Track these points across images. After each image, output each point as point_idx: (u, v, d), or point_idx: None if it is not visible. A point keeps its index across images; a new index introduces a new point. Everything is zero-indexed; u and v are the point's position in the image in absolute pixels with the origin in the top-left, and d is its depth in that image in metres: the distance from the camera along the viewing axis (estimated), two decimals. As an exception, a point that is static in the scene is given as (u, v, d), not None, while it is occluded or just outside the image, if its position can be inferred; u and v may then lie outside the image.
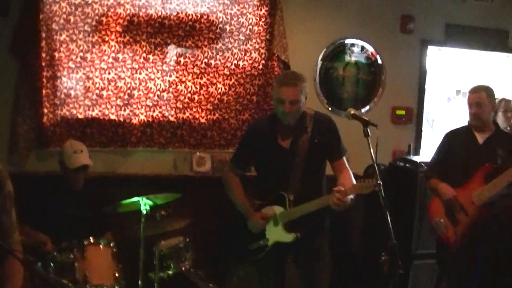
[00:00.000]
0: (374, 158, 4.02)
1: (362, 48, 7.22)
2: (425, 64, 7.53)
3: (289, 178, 4.75)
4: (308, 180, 4.76)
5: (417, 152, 7.48)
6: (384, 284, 3.96)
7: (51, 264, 4.70)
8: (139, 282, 5.07)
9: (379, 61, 7.28)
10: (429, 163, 6.00)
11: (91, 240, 4.92)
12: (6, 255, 3.09)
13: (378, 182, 4.00)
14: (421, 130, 7.60)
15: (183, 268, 5.57)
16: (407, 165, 6.91)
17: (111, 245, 5.04)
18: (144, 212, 5.05)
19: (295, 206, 4.71)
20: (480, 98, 5.48)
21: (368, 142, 4.08)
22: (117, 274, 4.93)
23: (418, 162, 6.72)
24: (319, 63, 7.05)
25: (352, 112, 4.40)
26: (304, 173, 4.74)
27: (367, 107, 7.30)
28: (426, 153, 6.96)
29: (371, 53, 7.26)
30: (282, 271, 5.06)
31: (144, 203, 5.06)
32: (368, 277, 6.70)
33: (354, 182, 4.64)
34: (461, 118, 6.69)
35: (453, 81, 7.88)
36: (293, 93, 4.57)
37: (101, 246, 5.00)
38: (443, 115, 7.86)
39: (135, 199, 5.03)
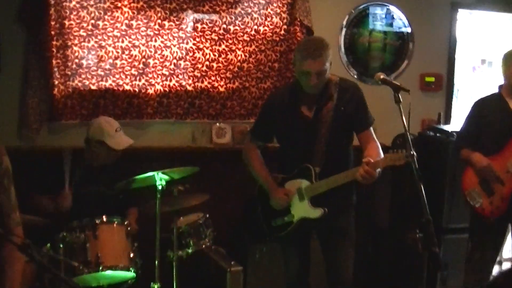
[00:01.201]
0: (406, 127, 3.74)
1: (389, 12, 6.93)
2: (455, 28, 7.24)
3: (313, 149, 4.52)
4: (334, 151, 4.54)
5: (447, 121, 7.20)
6: (414, 262, 3.71)
7: (61, 245, 4.46)
8: (156, 262, 4.83)
9: (407, 26, 7.01)
10: (459, 133, 5.78)
11: (104, 218, 4.67)
12: (3, 240, 2.83)
13: (412, 152, 3.72)
14: (452, 98, 7.32)
15: (203, 246, 5.36)
16: (438, 134, 6.61)
17: (125, 223, 4.79)
18: (160, 187, 4.83)
19: (321, 179, 4.48)
20: None
21: (399, 109, 3.79)
22: (132, 254, 4.69)
23: (450, 131, 6.41)
24: (344, 28, 6.78)
25: (382, 76, 4.09)
26: (330, 144, 4.51)
27: (395, 74, 6.97)
28: (457, 122, 6.69)
29: (398, 17, 6.97)
30: (306, 248, 4.90)
31: (160, 178, 4.83)
32: (397, 254, 6.45)
33: (382, 153, 4.43)
34: (486, 89, 6.57)
35: (479, 50, 7.65)
36: (319, 64, 4.30)
37: (114, 225, 4.74)
38: (468, 85, 7.64)
39: (149, 174, 4.82)
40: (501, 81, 5.52)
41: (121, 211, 5.20)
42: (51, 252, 4.46)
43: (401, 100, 3.82)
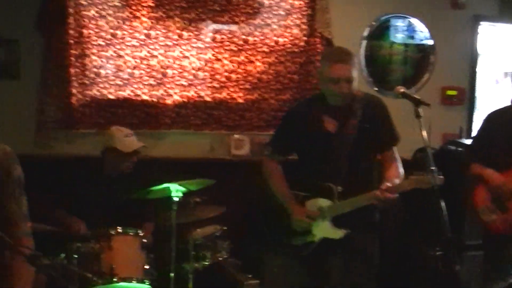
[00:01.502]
0: (426, 141, 3.65)
1: (410, 24, 6.85)
2: (477, 41, 7.14)
3: (336, 167, 4.29)
4: (356, 169, 4.30)
5: (469, 135, 7.05)
6: (431, 280, 3.62)
7: (75, 255, 4.40)
8: (172, 274, 4.75)
9: (428, 38, 6.91)
10: (470, 146, 5.62)
11: (119, 229, 4.60)
12: (14, 251, 2.77)
13: (432, 168, 3.62)
14: (473, 112, 7.21)
15: (220, 259, 5.29)
16: (459, 149, 6.48)
17: (140, 234, 4.72)
18: (176, 199, 4.75)
19: (343, 198, 4.24)
20: None
21: (420, 123, 3.69)
22: (146, 266, 4.62)
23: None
24: (364, 40, 6.70)
25: (401, 90, 3.98)
26: (353, 162, 4.28)
27: (415, 87, 6.86)
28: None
29: (420, 30, 6.88)
30: (325, 267, 4.58)
31: (176, 190, 4.76)
32: (406, 269, 6.34)
33: (402, 173, 4.29)
34: (508, 102, 6.29)
35: (502, 63, 7.51)
36: (349, 70, 4.14)
37: (129, 236, 4.68)
38: (490, 98, 7.46)
39: (165, 185, 4.75)
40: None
41: (136, 225, 5.09)
42: (65, 263, 4.41)
43: (422, 114, 3.72)
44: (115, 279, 4.36)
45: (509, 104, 5.39)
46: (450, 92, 7.05)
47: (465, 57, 7.12)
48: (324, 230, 4.34)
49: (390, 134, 4.41)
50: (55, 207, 5.09)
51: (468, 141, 6.47)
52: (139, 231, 4.73)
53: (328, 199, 4.31)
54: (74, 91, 5.81)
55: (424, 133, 3.66)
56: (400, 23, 6.79)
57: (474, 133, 7.02)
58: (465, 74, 7.16)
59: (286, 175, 4.61)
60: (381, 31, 6.74)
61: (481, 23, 7.11)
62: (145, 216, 5.30)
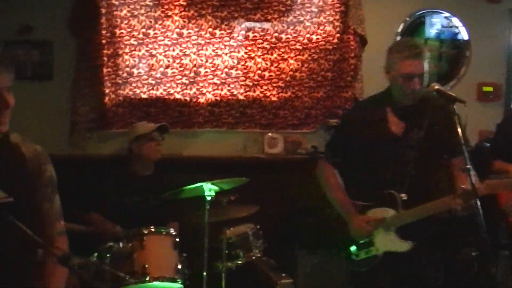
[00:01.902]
0: (463, 140, 3.54)
1: (445, 19, 6.72)
2: (515, 36, 6.97)
3: (400, 173, 3.94)
4: (423, 176, 3.97)
5: (506, 132, 6.89)
6: (467, 281, 3.53)
7: (107, 255, 4.39)
8: (204, 273, 4.74)
9: (464, 34, 6.76)
10: (492, 142, 5.47)
11: (152, 228, 4.58)
12: (46, 252, 2.76)
13: (468, 166, 3.48)
14: (510, 108, 7.00)
15: (253, 258, 5.25)
16: (496, 146, 6.37)
17: (173, 233, 4.70)
18: (209, 198, 4.72)
19: (407, 208, 3.88)
20: None
21: (455, 121, 3.57)
22: (179, 266, 4.57)
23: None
24: (399, 37, 6.56)
25: (436, 87, 3.78)
26: (419, 168, 3.93)
27: (451, 84, 6.75)
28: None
29: (455, 25, 6.74)
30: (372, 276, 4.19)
31: (209, 189, 4.73)
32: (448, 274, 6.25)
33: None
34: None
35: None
36: (421, 65, 3.83)
37: (161, 235, 4.66)
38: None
39: (198, 184, 4.73)
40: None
41: (162, 224, 5.10)
42: (97, 262, 4.41)
43: (457, 112, 3.61)
44: (147, 279, 4.34)
45: None
46: (486, 89, 6.88)
47: (502, 52, 6.94)
48: (387, 242, 3.94)
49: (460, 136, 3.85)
50: (91, 211, 5.14)
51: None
52: (172, 230, 4.72)
53: (391, 209, 3.94)
54: (107, 90, 5.83)
55: (460, 131, 3.55)
56: (434, 19, 6.67)
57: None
58: (501, 69, 6.98)
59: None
60: (415, 27, 6.63)
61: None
62: (170, 215, 5.31)
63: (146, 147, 5.31)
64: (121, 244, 4.43)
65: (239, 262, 5.14)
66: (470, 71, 6.83)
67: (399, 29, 6.57)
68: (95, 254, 4.42)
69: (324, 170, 4.24)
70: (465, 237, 3.77)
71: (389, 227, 3.91)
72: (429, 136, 3.91)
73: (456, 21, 6.73)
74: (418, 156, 3.91)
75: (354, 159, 4.13)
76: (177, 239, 4.66)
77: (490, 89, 6.92)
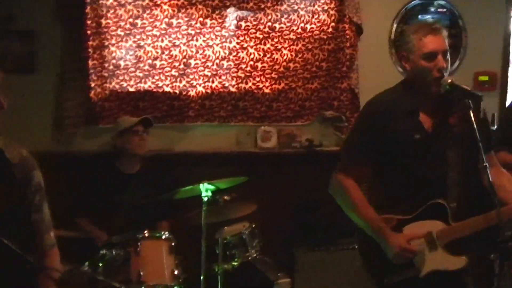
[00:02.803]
0: (478, 137, 3.22)
1: (441, 7, 6.56)
2: (510, 25, 6.80)
3: (443, 177, 3.45)
4: (469, 180, 3.48)
5: (503, 122, 6.76)
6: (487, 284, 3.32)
7: (100, 263, 4.18)
8: (201, 277, 4.60)
9: (460, 22, 6.61)
10: (496, 133, 5.02)
11: (146, 233, 4.40)
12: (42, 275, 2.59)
13: (485, 164, 3.16)
14: (506, 98, 6.87)
15: (249, 258, 5.07)
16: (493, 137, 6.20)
17: (169, 237, 4.52)
18: (206, 199, 4.55)
19: (458, 219, 3.41)
20: None
21: (471, 117, 3.26)
22: (176, 271, 4.39)
23: (507, 133, 5.98)
24: (395, 25, 6.42)
25: (449, 80, 3.40)
26: (463, 171, 3.45)
27: (446, 73, 6.57)
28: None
29: (451, 13, 6.58)
30: None
31: (206, 189, 4.55)
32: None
33: None
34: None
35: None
36: (443, 41, 3.40)
37: (157, 240, 4.48)
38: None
39: (195, 185, 4.57)
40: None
41: (153, 223, 5.06)
42: (89, 271, 4.18)
43: (472, 106, 3.30)
44: (143, 286, 4.17)
45: None
46: (482, 78, 6.75)
47: (498, 41, 6.82)
48: (434, 260, 3.42)
49: (490, 131, 3.65)
50: (78, 215, 5.02)
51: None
52: (167, 234, 4.54)
53: (438, 221, 3.43)
54: (93, 84, 5.66)
55: (476, 127, 3.25)
56: (431, 7, 6.52)
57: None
58: (498, 58, 6.85)
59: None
60: (411, 15, 6.46)
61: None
62: (161, 214, 5.20)
63: (129, 141, 5.15)
64: (114, 252, 4.23)
65: (235, 263, 4.98)
66: (467, 60, 6.70)
67: (395, 17, 6.41)
68: (87, 263, 4.20)
69: (344, 183, 3.58)
70: (485, 238, 3.49)
71: (436, 244, 3.41)
72: (464, 130, 3.42)
73: (452, 9, 6.58)
74: (461, 156, 3.44)
75: (383, 164, 3.57)
76: (173, 243, 4.49)
77: (486, 78, 6.77)
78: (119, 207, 4.97)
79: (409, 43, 3.44)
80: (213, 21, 5.89)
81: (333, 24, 6.14)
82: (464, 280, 3.52)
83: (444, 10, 6.55)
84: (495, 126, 6.31)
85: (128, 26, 5.71)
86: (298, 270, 5.64)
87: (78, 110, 5.66)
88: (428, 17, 6.48)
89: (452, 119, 3.47)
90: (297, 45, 6.10)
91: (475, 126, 3.22)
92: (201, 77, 5.91)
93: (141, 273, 4.15)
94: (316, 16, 6.11)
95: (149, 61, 5.80)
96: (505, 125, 5.12)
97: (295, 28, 6.09)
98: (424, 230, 3.41)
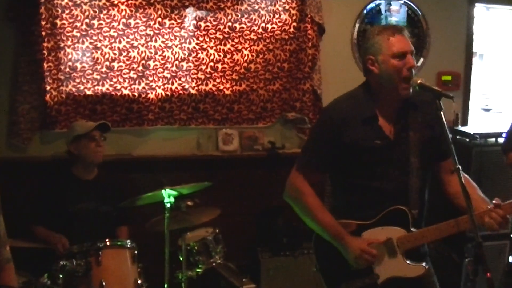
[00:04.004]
0: (449, 139, 3.14)
1: (404, 7, 6.54)
2: (473, 25, 6.86)
3: (403, 184, 3.36)
4: (425, 186, 3.42)
5: (465, 123, 6.83)
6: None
7: (60, 275, 4.02)
8: (165, 286, 4.48)
9: (423, 22, 6.60)
10: (507, 135, 5.09)
11: (107, 242, 4.25)
12: None
13: (458, 167, 3.05)
14: (469, 98, 6.89)
15: (214, 264, 5.01)
16: (458, 136, 6.17)
17: (132, 245, 4.39)
18: (168, 205, 4.43)
19: (419, 226, 3.36)
20: None
21: (442, 118, 3.16)
22: (139, 281, 4.29)
23: (472, 133, 5.96)
24: (357, 24, 6.38)
25: (419, 81, 3.26)
26: (423, 177, 3.38)
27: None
28: (476, 124, 6.47)
29: (413, 12, 6.57)
30: None
31: (168, 195, 4.43)
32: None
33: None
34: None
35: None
36: (409, 41, 3.30)
37: (119, 249, 4.34)
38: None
39: (157, 191, 4.45)
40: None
41: (111, 230, 4.94)
42: (48, 284, 4.02)
43: (443, 108, 3.17)
44: (105, 298, 4.03)
45: None
46: (445, 78, 6.79)
47: (460, 41, 6.86)
48: (393, 267, 3.38)
49: (447, 134, 3.31)
50: (34, 224, 4.83)
51: (465, 128, 6.31)
52: (130, 242, 4.41)
53: (397, 227, 3.36)
54: (48, 87, 5.49)
55: (447, 129, 3.17)
56: (393, 6, 6.49)
57: (470, 119, 6.91)
58: (460, 58, 6.90)
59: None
60: (374, 14, 6.43)
61: (477, 5, 6.84)
62: (120, 220, 5.07)
63: (85, 148, 4.93)
64: (74, 262, 4.09)
65: (199, 270, 4.94)
66: (430, 60, 6.73)
67: (357, 17, 6.37)
68: (46, 275, 4.05)
69: (301, 189, 3.49)
70: (456, 242, 3.42)
71: (395, 251, 3.36)
72: (426, 136, 3.40)
73: (415, 8, 6.58)
74: (420, 163, 3.37)
75: (343, 171, 3.48)
76: (136, 251, 4.37)
77: (449, 78, 6.82)
78: (76, 214, 4.81)
79: (375, 45, 3.34)
80: (172, 21, 5.75)
81: (294, 24, 6.06)
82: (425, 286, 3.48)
83: (407, 10, 6.52)
84: (459, 126, 6.33)
85: (84, 27, 5.54)
86: (263, 275, 5.60)
87: (33, 114, 5.47)
88: (391, 18, 6.43)
89: (413, 124, 3.38)
90: (258, 45, 6.01)
91: (446, 128, 3.13)
92: (161, 79, 5.77)
93: (103, 284, 4.04)
94: (277, 16, 6.02)
95: (107, 63, 5.64)
96: None
97: (255, 28, 5.99)
98: (384, 236, 3.36)
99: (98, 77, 5.62)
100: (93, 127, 4.93)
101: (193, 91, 5.89)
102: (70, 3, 5.46)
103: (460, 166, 3.05)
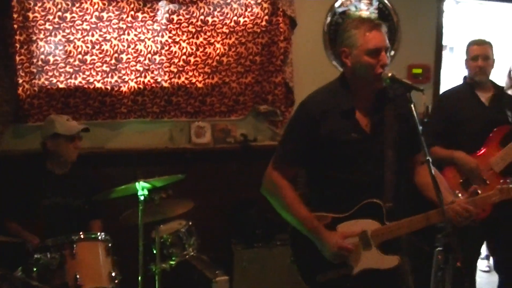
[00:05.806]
0: (420, 131, 3.21)
1: (374, 1, 6.63)
2: (442, 18, 6.98)
3: (378, 177, 3.38)
4: (400, 179, 3.43)
5: (435, 114, 6.82)
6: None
7: (34, 268, 4.01)
8: (139, 278, 4.49)
9: (393, 15, 6.70)
10: (430, 129, 5.18)
11: (81, 235, 4.24)
12: None
13: (428, 158, 3.13)
14: (439, 90, 6.96)
15: (187, 256, 5.00)
16: (428, 128, 6.21)
17: (106, 238, 4.38)
18: (142, 197, 4.43)
19: (393, 219, 3.37)
20: (487, 51, 5.02)
21: (412, 111, 3.22)
22: (113, 273, 4.27)
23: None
24: (328, 18, 6.43)
25: (390, 74, 3.30)
26: (398, 171, 3.39)
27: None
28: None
29: (384, 6, 6.67)
30: None
31: (142, 187, 4.43)
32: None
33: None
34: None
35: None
36: (385, 37, 3.30)
37: (93, 242, 4.32)
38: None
39: (131, 184, 4.45)
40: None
41: (85, 224, 4.91)
42: (23, 277, 4.01)
43: (413, 100, 3.25)
44: (80, 290, 4.04)
45: (460, 83, 5.24)
46: (416, 70, 6.89)
47: (431, 34, 6.97)
48: (367, 259, 3.40)
49: (418, 126, 3.34)
50: (8, 219, 4.80)
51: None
52: (104, 235, 4.40)
53: (373, 220, 3.38)
54: (20, 81, 5.44)
55: (417, 121, 3.23)
56: (364, 0, 6.55)
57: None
58: (430, 51, 7.01)
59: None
60: (345, 7, 6.49)
61: (446, -1, 6.94)
62: (93, 213, 5.04)
63: (64, 148, 4.88)
64: (49, 255, 4.06)
65: (173, 262, 4.91)
66: (400, 53, 6.81)
67: (329, 11, 6.43)
68: (20, 268, 4.04)
69: (277, 182, 3.49)
70: (426, 231, 3.46)
71: (370, 243, 3.38)
72: (401, 131, 3.43)
73: (385, 2, 6.66)
74: (396, 156, 3.39)
75: (319, 164, 3.48)
76: (110, 244, 4.37)
77: (420, 71, 6.92)
78: (49, 208, 4.79)
79: (351, 38, 3.33)
80: (145, 14, 5.74)
81: (266, 17, 6.09)
82: (398, 277, 3.49)
83: (377, 3, 6.58)
84: (426, 120, 6.39)
85: (56, 20, 5.50)
86: (236, 267, 5.61)
87: (5, 108, 5.41)
88: (362, 11, 6.47)
89: (389, 117, 3.40)
90: (230, 38, 6.03)
91: (417, 120, 3.19)
92: (133, 72, 5.77)
93: (78, 277, 4.02)
94: (249, 9, 6.05)
95: (79, 56, 5.61)
96: (438, 119, 5.21)
97: (228, 21, 6.01)
98: (358, 229, 3.37)
99: (71, 70, 5.59)
100: (76, 132, 4.90)
101: (165, 84, 5.89)
102: (42, -4, 5.45)
103: (430, 158, 3.11)
